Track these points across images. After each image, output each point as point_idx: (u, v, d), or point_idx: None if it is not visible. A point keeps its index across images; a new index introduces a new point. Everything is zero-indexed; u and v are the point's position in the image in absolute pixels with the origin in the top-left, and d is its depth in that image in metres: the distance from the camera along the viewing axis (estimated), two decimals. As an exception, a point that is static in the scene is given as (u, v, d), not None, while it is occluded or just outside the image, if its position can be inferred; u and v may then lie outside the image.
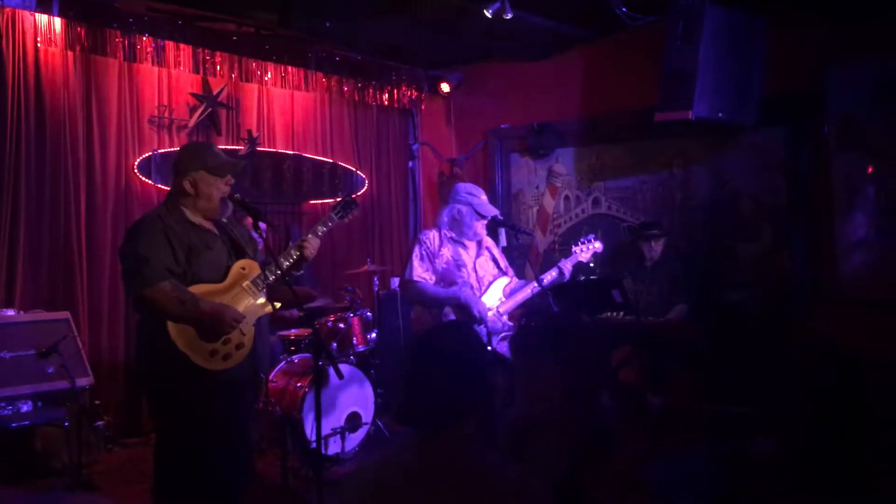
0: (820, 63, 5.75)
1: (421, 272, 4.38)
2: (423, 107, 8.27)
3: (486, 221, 4.49)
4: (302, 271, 3.79)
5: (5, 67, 5.31)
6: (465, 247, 4.50)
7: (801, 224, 6.00)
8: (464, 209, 4.45)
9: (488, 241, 4.65)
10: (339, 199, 3.97)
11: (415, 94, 8.05)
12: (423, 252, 4.42)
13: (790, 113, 5.94)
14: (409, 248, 4.58)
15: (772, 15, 5.51)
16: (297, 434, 5.08)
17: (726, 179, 6.36)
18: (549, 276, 4.63)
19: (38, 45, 5.47)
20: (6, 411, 4.66)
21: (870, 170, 5.65)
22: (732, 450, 4.60)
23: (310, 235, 3.72)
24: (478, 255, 4.55)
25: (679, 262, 6.12)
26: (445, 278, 4.41)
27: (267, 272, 3.56)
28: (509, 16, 5.62)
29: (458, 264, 4.43)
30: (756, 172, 6.20)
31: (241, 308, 3.44)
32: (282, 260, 3.60)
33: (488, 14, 5.63)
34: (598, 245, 4.89)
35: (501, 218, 4.66)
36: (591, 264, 5.08)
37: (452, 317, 4.32)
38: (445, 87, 7.94)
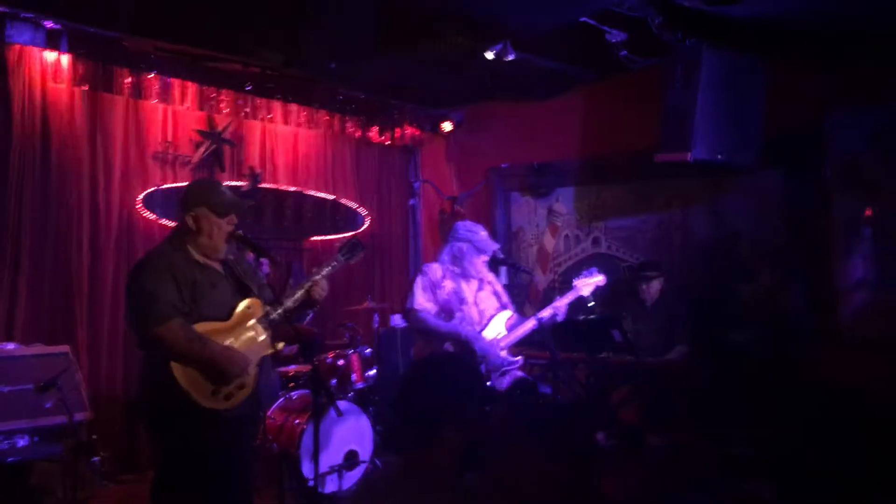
0: (819, 105, 5.81)
1: (423, 301, 4.41)
2: (424, 145, 8.35)
3: (486, 257, 4.52)
4: (311, 312, 3.76)
5: (12, 103, 5.37)
6: (467, 281, 4.53)
7: (801, 265, 6.02)
8: (464, 246, 4.48)
9: (489, 277, 4.67)
10: (345, 241, 3.96)
11: (417, 132, 8.13)
12: (427, 283, 4.46)
13: (789, 155, 5.99)
14: (412, 279, 4.61)
15: (771, 58, 5.58)
16: (295, 471, 5.04)
17: (726, 220, 6.40)
18: (547, 313, 4.62)
19: (46, 81, 5.54)
20: (3, 446, 4.63)
21: (868, 212, 5.68)
22: (732, 490, 4.57)
23: (317, 277, 3.70)
24: (479, 289, 4.57)
25: (678, 303, 6.12)
26: (446, 309, 4.43)
27: (271, 312, 3.55)
28: (511, 57, 5.70)
29: (460, 297, 4.46)
30: (755, 213, 6.23)
31: (245, 347, 3.43)
32: (286, 300, 3.60)
33: (490, 55, 5.71)
34: (600, 278, 4.86)
35: (502, 255, 4.68)
36: (591, 303, 5.07)
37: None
38: (447, 126, 8.02)
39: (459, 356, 4.10)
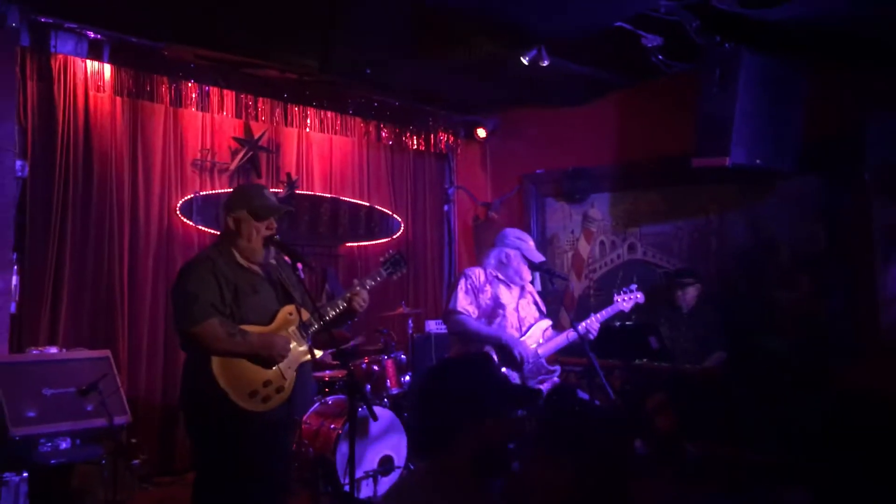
0: (859, 109, 5.72)
1: (465, 304, 4.41)
2: (458, 151, 8.36)
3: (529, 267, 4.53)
4: (350, 321, 3.82)
5: (56, 111, 5.49)
6: (508, 287, 4.53)
7: (841, 272, 5.91)
8: (512, 253, 4.49)
9: (529, 286, 4.67)
10: (389, 256, 4.00)
11: (451, 138, 8.16)
12: (469, 286, 4.46)
13: (829, 159, 5.90)
14: (454, 283, 4.62)
15: (810, 61, 5.51)
16: (330, 476, 5.07)
17: (763, 226, 6.32)
18: (583, 325, 4.61)
19: (88, 90, 5.66)
20: (46, 448, 4.72)
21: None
22: (769, 499, 4.50)
23: (358, 288, 3.75)
24: (521, 297, 4.57)
25: (715, 309, 6.06)
26: (487, 314, 4.43)
27: (312, 320, 3.60)
28: (546, 63, 5.69)
29: (501, 303, 4.46)
30: (794, 219, 6.14)
31: None
32: (328, 309, 3.65)
33: (525, 61, 5.71)
34: (639, 295, 4.86)
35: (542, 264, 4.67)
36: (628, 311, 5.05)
37: (493, 357, 4.31)
38: (481, 132, 8.03)
39: (481, 357, 4.07)
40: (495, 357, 4.32)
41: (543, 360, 4.46)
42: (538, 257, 4.52)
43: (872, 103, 5.67)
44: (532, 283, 4.88)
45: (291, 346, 3.51)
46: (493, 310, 4.44)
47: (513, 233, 4.60)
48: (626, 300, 4.81)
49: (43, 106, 5.46)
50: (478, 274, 4.50)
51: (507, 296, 4.50)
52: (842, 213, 5.93)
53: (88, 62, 5.62)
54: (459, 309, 4.40)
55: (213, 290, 3.39)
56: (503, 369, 4.31)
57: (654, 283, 6.75)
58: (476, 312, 4.42)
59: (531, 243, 4.55)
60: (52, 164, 5.47)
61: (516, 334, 4.42)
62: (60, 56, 5.48)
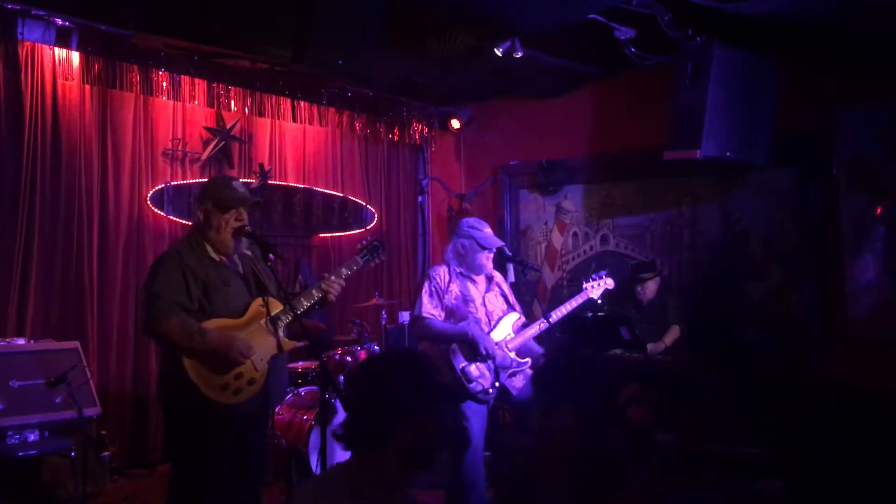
0: (829, 104, 5.79)
1: (430, 308, 4.37)
2: (433, 142, 8.36)
3: (490, 254, 4.48)
4: (322, 309, 3.81)
5: (23, 100, 5.40)
6: (474, 282, 4.50)
7: (811, 264, 5.99)
8: (467, 243, 4.45)
9: (498, 277, 4.65)
10: (366, 243, 3.96)
11: (425, 129, 8.14)
12: (433, 288, 4.42)
13: (800, 153, 5.96)
14: (419, 284, 4.57)
15: (782, 56, 5.56)
16: (303, 467, 5.07)
17: (735, 218, 6.38)
18: (557, 314, 4.63)
19: (56, 78, 5.57)
20: (14, 440, 4.66)
21: (878, 210, 5.66)
22: (741, 490, 4.56)
23: (332, 277, 3.72)
24: (487, 290, 4.54)
25: (672, 295, 6.10)
26: (455, 314, 4.40)
27: (285, 311, 3.57)
28: (519, 55, 5.70)
29: (467, 299, 4.42)
30: (765, 212, 6.21)
31: (256, 345, 3.46)
32: (302, 300, 3.63)
33: (499, 53, 5.71)
34: (609, 281, 4.86)
35: (509, 252, 4.65)
36: (599, 300, 5.07)
37: (459, 353, 4.30)
38: (456, 124, 8.01)
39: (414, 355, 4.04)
40: (461, 354, 4.30)
41: (513, 353, 4.45)
42: (494, 243, 4.47)
43: (843, 97, 5.73)
44: (506, 274, 4.86)
45: (261, 340, 3.48)
46: (460, 308, 4.40)
47: (466, 222, 4.55)
48: (594, 287, 4.82)
49: (10, 94, 5.37)
50: (441, 274, 4.46)
51: (474, 290, 4.47)
52: (812, 207, 6.00)
53: (56, 50, 5.52)
54: (424, 315, 4.36)
55: (178, 287, 3.37)
56: (472, 365, 4.30)
57: (626, 274, 6.79)
58: (442, 315, 4.38)
59: (487, 230, 4.50)
60: (20, 153, 5.38)
61: (485, 329, 4.41)
62: (28, 43, 5.38)
